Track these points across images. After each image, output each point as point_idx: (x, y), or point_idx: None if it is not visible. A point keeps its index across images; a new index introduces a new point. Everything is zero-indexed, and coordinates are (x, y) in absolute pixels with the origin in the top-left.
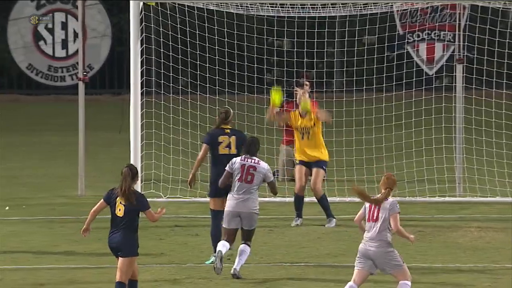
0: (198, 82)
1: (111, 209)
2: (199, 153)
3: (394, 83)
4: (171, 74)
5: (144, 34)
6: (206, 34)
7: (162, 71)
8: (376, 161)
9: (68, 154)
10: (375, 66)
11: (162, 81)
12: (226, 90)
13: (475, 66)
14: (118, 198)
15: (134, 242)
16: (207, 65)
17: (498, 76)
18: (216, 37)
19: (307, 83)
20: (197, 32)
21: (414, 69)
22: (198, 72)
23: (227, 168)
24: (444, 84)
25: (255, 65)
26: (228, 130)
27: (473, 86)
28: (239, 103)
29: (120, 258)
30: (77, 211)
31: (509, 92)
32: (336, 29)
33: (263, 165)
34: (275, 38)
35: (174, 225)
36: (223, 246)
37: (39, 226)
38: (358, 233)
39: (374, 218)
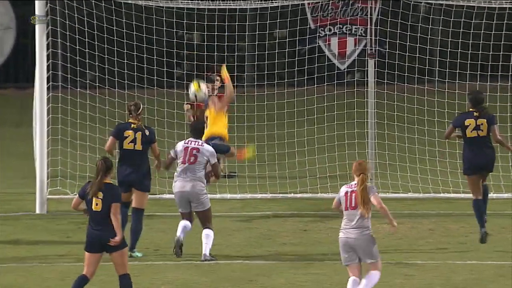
0: (106, 76)
1: (88, 205)
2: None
3: (305, 78)
4: (78, 68)
5: (50, 27)
6: (114, 27)
7: (68, 65)
8: (288, 157)
9: None
10: (286, 60)
11: (69, 75)
12: (135, 84)
13: (386, 60)
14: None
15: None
16: (115, 58)
17: (409, 71)
18: (124, 30)
19: (218, 78)
20: (105, 25)
21: (326, 63)
22: (106, 66)
23: (171, 152)
24: (356, 79)
25: (165, 59)
26: (135, 125)
27: (385, 81)
28: (148, 97)
29: (112, 254)
30: None
31: (420, 87)
32: (247, 22)
33: (207, 147)
34: (185, 31)
35: (82, 222)
36: (183, 228)
37: None
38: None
39: (353, 205)
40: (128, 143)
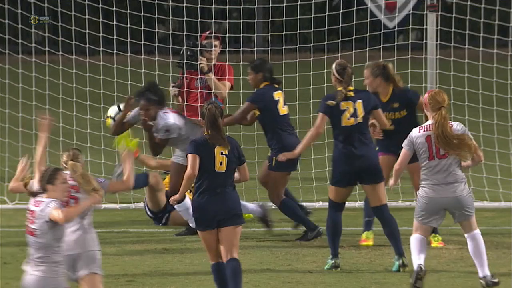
0: (60, 38)
1: (205, 164)
2: None
3: (339, 40)
4: (19, 26)
5: None
6: None
7: (6, 21)
8: (315, 152)
9: None
10: (312, 15)
11: (7, 36)
12: (101, 49)
13: (454, 15)
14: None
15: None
16: (72, 13)
17: (486, 29)
18: None
19: (216, 43)
20: None
21: (368, 19)
22: (60, 24)
23: None
24: (410, 41)
25: (142, 14)
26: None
27: (452, 44)
28: (119, 67)
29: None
30: None
31: (502, 52)
32: None
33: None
34: None
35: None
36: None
37: None
38: None
39: (441, 154)
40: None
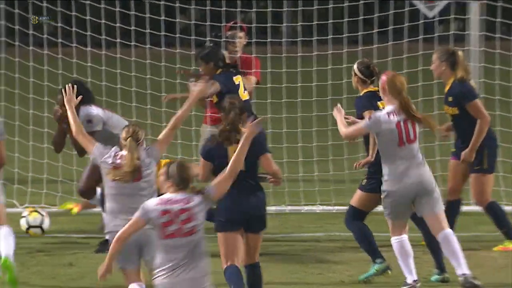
0: (74, 29)
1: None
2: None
3: (375, 31)
4: (30, 15)
5: None
6: None
7: (16, 10)
8: (350, 151)
9: None
10: (344, 4)
11: (17, 27)
12: (118, 40)
13: (499, 3)
14: None
15: None
16: (87, 1)
17: None
18: None
19: (241, 34)
20: None
21: (406, 8)
22: (73, 13)
23: None
24: (452, 32)
25: (162, 2)
26: None
27: (497, 35)
28: (138, 60)
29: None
30: None
31: None
32: None
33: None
34: None
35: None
36: None
37: None
38: None
39: (412, 138)
40: None
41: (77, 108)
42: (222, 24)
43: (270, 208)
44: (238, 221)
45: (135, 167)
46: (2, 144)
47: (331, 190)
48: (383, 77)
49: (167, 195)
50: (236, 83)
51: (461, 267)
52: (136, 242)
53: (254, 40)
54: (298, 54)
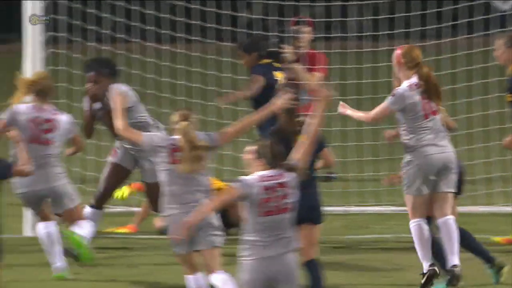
0: (134, 24)
1: None
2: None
3: (442, 25)
4: (89, 10)
5: None
6: None
7: (76, 5)
8: None
9: None
10: None
11: (77, 21)
12: (178, 35)
13: None
14: None
15: None
16: None
17: None
18: None
19: (307, 29)
20: None
21: (476, 1)
22: (133, 7)
23: None
24: None
25: None
26: None
27: None
28: (202, 56)
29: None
30: None
31: None
32: None
33: None
34: None
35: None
36: None
37: None
38: None
39: (433, 110)
40: None
41: (106, 84)
42: (288, 19)
43: (337, 209)
44: (304, 216)
45: (195, 150)
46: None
47: (398, 190)
48: (398, 51)
49: (263, 172)
50: (276, 77)
51: (454, 257)
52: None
53: (323, 35)
54: (365, 50)
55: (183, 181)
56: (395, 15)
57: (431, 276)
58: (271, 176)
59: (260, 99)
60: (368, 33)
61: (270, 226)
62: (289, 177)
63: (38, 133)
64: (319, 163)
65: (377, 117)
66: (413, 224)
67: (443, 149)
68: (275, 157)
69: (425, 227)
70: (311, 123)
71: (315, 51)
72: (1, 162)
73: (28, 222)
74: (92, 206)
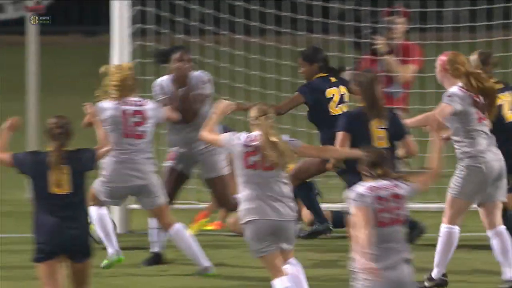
0: (223, 16)
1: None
2: None
3: None
4: (176, 1)
5: None
6: None
7: None
8: None
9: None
10: None
11: (167, 13)
12: (268, 27)
13: None
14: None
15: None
16: None
17: None
18: None
19: (401, 20)
20: None
21: None
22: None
23: None
24: None
25: None
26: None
27: None
28: (292, 48)
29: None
30: (25, 224)
31: None
32: None
33: None
34: None
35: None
36: None
37: None
38: None
39: (485, 115)
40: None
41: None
42: (381, 9)
43: (431, 206)
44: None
45: (277, 148)
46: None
47: None
48: (442, 57)
49: (375, 182)
50: (329, 96)
51: (510, 269)
52: (271, 229)
53: (414, 26)
54: (462, 41)
55: (262, 180)
56: (494, 6)
57: (439, 285)
58: (384, 186)
59: (313, 119)
60: (465, 24)
61: (385, 238)
62: (403, 188)
63: (129, 127)
64: (400, 152)
65: (440, 119)
66: (447, 229)
67: (498, 156)
68: (386, 166)
69: (456, 237)
70: (433, 157)
71: (409, 43)
72: (85, 152)
73: (115, 219)
74: None
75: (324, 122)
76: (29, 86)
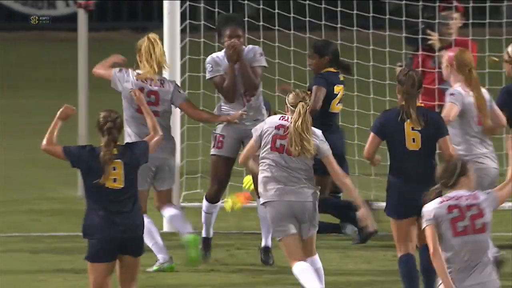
0: (276, 11)
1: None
2: None
3: None
4: None
5: None
6: None
7: None
8: None
9: (62, 128)
10: None
11: (216, 9)
12: (322, 23)
13: None
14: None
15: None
16: None
17: None
18: None
19: (456, 15)
20: None
21: None
22: None
23: None
24: None
25: None
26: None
27: None
28: (343, 43)
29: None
30: (76, 222)
31: None
32: None
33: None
34: None
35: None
36: None
37: (16, 247)
38: None
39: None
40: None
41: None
42: (436, 4)
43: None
44: (413, 207)
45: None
46: None
47: None
48: (450, 53)
49: (452, 193)
50: (336, 92)
51: None
52: (291, 211)
53: (471, 21)
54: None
55: (285, 164)
56: None
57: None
58: (458, 195)
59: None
60: None
61: (463, 248)
62: (482, 197)
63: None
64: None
65: (450, 119)
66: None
67: (496, 163)
68: (456, 176)
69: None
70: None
71: (464, 38)
72: (138, 145)
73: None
74: (207, 200)
75: (318, 117)
76: (79, 82)
